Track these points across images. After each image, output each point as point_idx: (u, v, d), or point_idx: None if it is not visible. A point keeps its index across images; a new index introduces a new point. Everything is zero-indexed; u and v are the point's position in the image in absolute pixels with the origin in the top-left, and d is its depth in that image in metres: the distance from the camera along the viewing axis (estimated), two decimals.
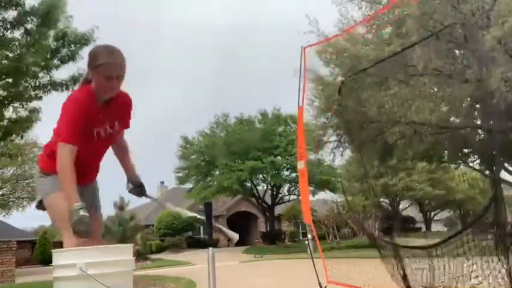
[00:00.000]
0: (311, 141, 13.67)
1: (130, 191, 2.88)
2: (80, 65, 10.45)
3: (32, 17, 9.45)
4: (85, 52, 10.38)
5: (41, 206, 2.51)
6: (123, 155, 2.82)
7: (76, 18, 10.12)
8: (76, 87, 10.88)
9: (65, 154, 2.27)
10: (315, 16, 12.73)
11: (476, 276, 3.34)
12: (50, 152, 2.47)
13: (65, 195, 2.26)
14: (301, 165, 5.00)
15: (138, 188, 2.87)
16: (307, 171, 5.11)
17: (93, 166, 2.69)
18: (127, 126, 2.73)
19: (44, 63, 9.74)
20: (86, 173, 2.56)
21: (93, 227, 2.38)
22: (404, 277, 4.36)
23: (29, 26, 9.59)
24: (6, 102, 9.93)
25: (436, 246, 3.70)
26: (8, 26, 9.38)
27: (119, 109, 2.55)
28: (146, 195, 2.94)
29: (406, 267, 4.36)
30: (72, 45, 10.13)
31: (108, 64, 2.32)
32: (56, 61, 10.12)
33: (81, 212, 2.18)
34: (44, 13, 9.37)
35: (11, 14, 9.36)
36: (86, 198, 2.50)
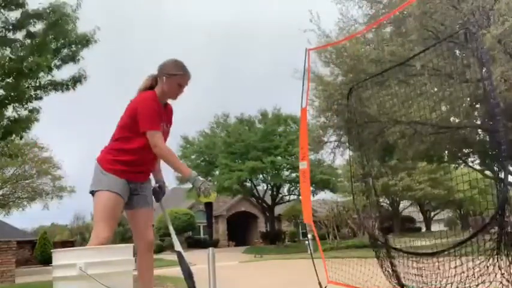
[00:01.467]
0: (311, 141, 13.68)
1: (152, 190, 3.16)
2: (81, 65, 10.44)
3: (35, 20, 9.44)
4: (86, 53, 10.39)
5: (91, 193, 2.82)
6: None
7: (80, 16, 10.10)
8: (77, 88, 10.83)
9: (159, 139, 2.75)
10: (316, 13, 12.74)
11: (478, 277, 3.33)
12: (114, 151, 2.85)
13: (177, 169, 2.87)
14: (303, 165, 5.00)
15: (156, 191, 3.23)
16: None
17: (153, 161, 3.04)
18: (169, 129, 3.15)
19: (45, 64, 9.75)
20: (148, 168, 3.03)
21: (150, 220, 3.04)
22: (398, 278, 4.35)
23: (32, 28, 9.59)
24: (6, 102, 9.92)
25: (442, 253, 3.68)
26: (10, 27, 9.37)
27: (169, 113, 3.08)
28: (158, 201, 3.30)
29: (402, 267, 4.35)
30: (73, 46, 10.10)
31: (185, 76, 2.94)
32: (56, 61, 10.10)
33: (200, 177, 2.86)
34: (54, 21, 9.37)
35: (13, 15, 9.36)
36: (147, 194, 3.06)
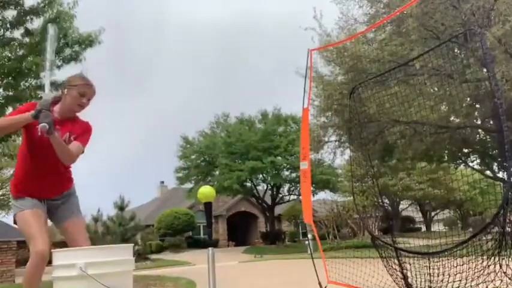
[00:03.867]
0: (311, 141, 13.67)
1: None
2: (84, 66, 10.41)
3: (32, 17, 9.40)
4: (89, 53, 10.34)
5: None
6: None
7: (77, 18, 10.07)
8: None
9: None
10: (320, 12, 12.74)
11: (479, 277, 3.33)
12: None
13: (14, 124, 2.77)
14: (304, 165, 4.99)
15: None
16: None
17: (52, 172, 2.97)
18: (80, 142, 3.02)
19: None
20: (44, 171, 2.91)
21: None
22: (405, 277, 4.35)
23: (29, 26, 9.55)
24: (6, 102, 9.90)
25: (444, 253, 3.67)
26: (8, 26, 9.34)
27: (73, 126, 2.99)
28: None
29: (407, 267, 4.35)
30: (75, 46, 10.05)
31: (85, 85, 2.92)
32: (58, 61, 10.07)
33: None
34: (52, 18, 9.34)
35: (11, 13, 9.32)
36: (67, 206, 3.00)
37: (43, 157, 2.82)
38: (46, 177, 2.88)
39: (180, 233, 31.05)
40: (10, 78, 9.55)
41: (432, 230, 36.21)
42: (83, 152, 2.89)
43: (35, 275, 2.51)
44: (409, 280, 4.29)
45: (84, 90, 2.91)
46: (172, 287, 8.34)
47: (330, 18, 13.15)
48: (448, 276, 3.61)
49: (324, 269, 4.92)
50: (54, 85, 10.31)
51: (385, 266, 4.68)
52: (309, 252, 9.63)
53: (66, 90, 2.93)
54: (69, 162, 2.84)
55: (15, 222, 2.89)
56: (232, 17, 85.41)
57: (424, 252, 4.24)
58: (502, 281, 3.22)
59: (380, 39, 12.30)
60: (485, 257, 3.35)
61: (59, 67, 10.21)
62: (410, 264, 4.31)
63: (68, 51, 10.04)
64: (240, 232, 35.55)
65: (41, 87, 10.24)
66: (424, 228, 38.08)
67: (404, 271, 4.33)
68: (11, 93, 9.78)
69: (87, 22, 10.39)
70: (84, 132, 2.98)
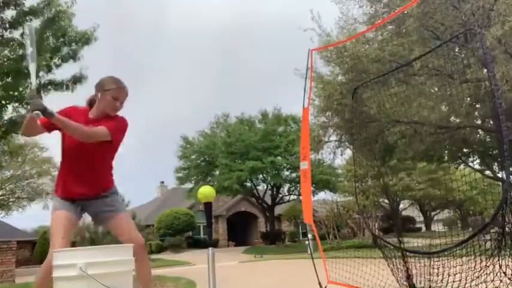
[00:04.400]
0: (311, 141, 13.66)
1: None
2: (82, 64, 10.42)
3: (31, 17, 9.42)
4: (86, 51, 10.35)
5: None
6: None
7: (76, 17, 10.08)
8: (76, 88, 10.83)
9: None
10: (317, 12, 12.74)
11: (478, 277, 3.33)
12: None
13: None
14: (305, 165, 4.99)
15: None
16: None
17: (89, 170, 3.01)
18: (113, 141, 3.02)
19: (45, 63, 9.72)
20: (80, 169, 2.96)
21: None
22: (408, 277, 4.34)
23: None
24: (6, 102, 9.90)
25: (448, 251, 3.67)
26: (7, 26, 9.36)
27: (107, 123, 2.97)
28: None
29: (410, 267, 4.35)
30: (73, 44, 10.06)
31: (119, 89, 2.98)
32: (56, 60, 10.07)
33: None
34: (51, 18, 9.35)
35: (10, 13, 9.33)
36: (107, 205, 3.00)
37: (76, 156, 2.88)
38: (81, 176, 2.91)
39: (180, 233, 31.05)
40: (10, 78, 9.56)
41: (432, 230, 36.22)
42: (107, 135, 2.81)
43: (48, 270, 2.53)
44: (413, 280, 4.29)
45: (117, 95, 2.95)
46: (172, 287, 8.34)
47: (330, 18, 13.13)
48: (447, 276, 3.61)
49: (324, 269, 4.92)
50: (54, 84, 10.33)
51: (388, 266, 4.68)
52: (309, 252, 9.63)
53: (99, 94, 2.95)
54: (85, 139, 2.75)
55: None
56: (232, 17, 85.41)
57: (430, 252, 4.23)
58: (501, 281, 3.22)
59: (380, 39, 12.30)
60: (484, 257, 3.35)
61: (57, 66, 10.21)
62: (411, 264, 4.31)
63: (65, 50, 10.05)
64: (240, 232, 35.54)
65: (40, 86, 10.24)
66: (424, 228, 38.09)
67: (409, 271, 4.32)
68: (10, 92, 9.78)
69: (87, 21, 10.40)
70: (112, 120, 2.96)
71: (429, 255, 4.05)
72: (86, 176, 2.91)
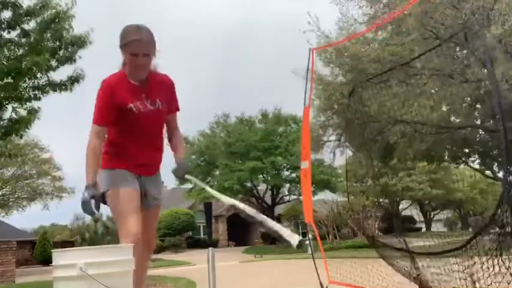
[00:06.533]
0: (311, 141, 13.63)
1: (172, 171, 2.77)
2: (78, 66, 10.49)
3: (28, 18, 9.47)
4: (82, 54, 10.45)
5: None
6: (170, 134, 2.89)
7: (77, 17, 10.12)
8: (75, 88, 10.88)
9: (92, 135, 2.47)
10: (315, 15, 12.72)
11: (479, 277, 3.32)
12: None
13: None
14: (305, 165, 4.98)
15: (176, 169, 2.78)
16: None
17: (149, 145, 2.70)
18: (175, 107, 2.81)
19: (43, 63, 9.76)
20: (142, 155, 2.66)
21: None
22: (417, 277, 4.33)
23: (26, 27, 9.61)
24: (5, 102, 9.92)
25: (455, 251, 3.65)
26: (4, 26, 9.40)
27: (157, 87, 2.64)
28: (182, 177, 2.80)
29: (418, 267, 4.32)
30: (69, 47, 10.16)
31: (133, 42, 2.45)
32: (54, 62, 10.13)
33: (85, 194, 2.34)
34: (49, 20, 9.41)
35: (7, 14, 9.38)
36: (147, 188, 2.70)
37: (141, 131, 2.61)
38: (144, 153, 2.66)
39: (180, 233, 31.05)
40: (10, 78, 9.58)
41: (432, 230, 36.21)
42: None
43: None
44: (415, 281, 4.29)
45: (134, 49, 2.46)
46: (172, 287, 8.33)
47: (330, 18, 13.10)
48: (453, 277, 3.60)
49: (325, 268, 4.91)
50: (52, 85, 10.36)
51: (390, 265, 4.67)
52: (309, 252, 9.62)
53: (121, 51, 2.54)
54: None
55: (104, 202, 2.55)
56: (232, 16, 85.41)
57: (436, 252, 4.22)
58: (501, 282, 3.21)
59: (380, 39, 12.28)
60: (485, 258, 3.34)
61: (54, 69, 10.27)
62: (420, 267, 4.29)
63: (62, 53, 10.13)
64: (240, 232, 35.53)
65: (39, 87, 10.25)
66: (424, 228, 38.09)
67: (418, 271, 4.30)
68: (9, 93, 9.80)
69: (87, 22, 10.44)
70: (171, 93, 2.71)
71: (440, 256, 4.03)
72: (150, 150, 2.70)
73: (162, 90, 2.66)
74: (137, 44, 2.45)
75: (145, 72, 2.55)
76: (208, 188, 2.91)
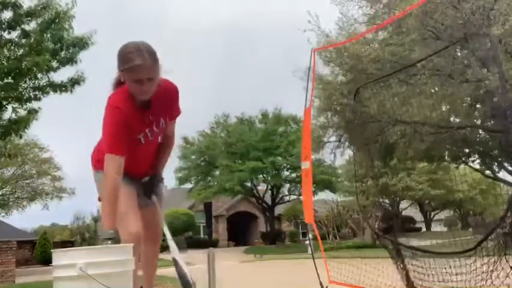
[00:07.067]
0: (311, 141, 13.64)
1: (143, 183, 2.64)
2: (79, 67, 10.49)
3: (28, 18, 9.48)
4: (84, 55, 10.44)
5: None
6: (161, 141, 2.69)
7: (77, 18, 10.12)
8: (75, 89, 10.87)
9: (111, 169, 2.23)
10: (315, 13, 12.73)
11: (478, 276, 3.32)
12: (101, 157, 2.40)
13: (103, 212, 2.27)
14: (306, 165, 4.97)
15: (147, 182, 2.66)
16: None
17: (148, 162, 2.61)
18: (176, 114, 2.61)
19: (44, 63, 9.76)
20: (140, 166, 2.58)
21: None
22: (407, 276, 4.33)
23: (26, 27, 9.62)
24: (5, 102, 9.92)
25: (462, 254, 3.64)
26: (4, 27, 9.40)
27: (162, 102, 2.40)
28: (149, 197, 2.69)
29: (408, 266, 4.34)
30: (70, 48, 10.15)
31: (135, 68, 2.15)
32: (54, 63, 10.13)
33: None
34: (49, 20, 9.41)
35: (8, 14, 9.38)
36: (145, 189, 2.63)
37: (142, 154, 2.51)
38: (141, 169, 2.56)
39: (180, 233, 31.05)
40: (10, 78, 9.58)
41: (432, 230, 36.21)
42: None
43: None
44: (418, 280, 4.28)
45: (137, 76, 2.16)
46: (172, 287, 8.33)
47: (330, 18, 13.11)
48: (455, 277, 3.59)
49: (325, 268, 4.90)
50: (52, 86, 10.36)
51: (394, 263, 4.66)
52: (309, 252, 9.62)
53: (121, 74, 2.29)
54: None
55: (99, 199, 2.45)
56: (232, 17, 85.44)
57: (442, 252, 4.21)
58: (503, 283, 3.21)
59: (380, 39, 12.29)
60: (488, 259, 3.34)
61: (55, 69, 10.27)
62: (412, 265, 4.30)
63: (63, 54, 10.13)
64: (240, 232, 35.53)
65: (39, 88, 10.25)
66: (424, 228, 38.08)
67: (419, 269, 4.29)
68: (9, 93, 9.80)
69: (87, 22, 10.43)
70: (174, 100, 2.46)
71: (445, 256, 4.02)
72: (148, 154, 2.59)
73: (167, 102, 2.45)
74: (140, 69, 2.15)
75: (150, 95, 2.29)
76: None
